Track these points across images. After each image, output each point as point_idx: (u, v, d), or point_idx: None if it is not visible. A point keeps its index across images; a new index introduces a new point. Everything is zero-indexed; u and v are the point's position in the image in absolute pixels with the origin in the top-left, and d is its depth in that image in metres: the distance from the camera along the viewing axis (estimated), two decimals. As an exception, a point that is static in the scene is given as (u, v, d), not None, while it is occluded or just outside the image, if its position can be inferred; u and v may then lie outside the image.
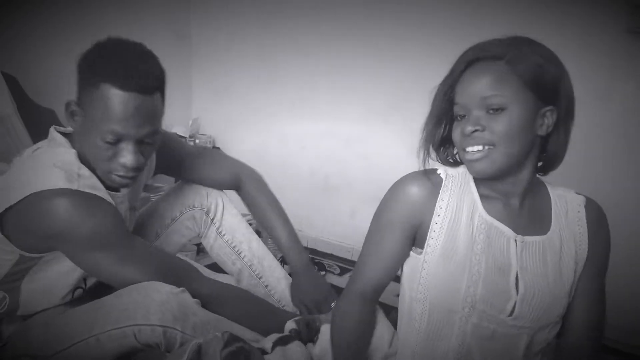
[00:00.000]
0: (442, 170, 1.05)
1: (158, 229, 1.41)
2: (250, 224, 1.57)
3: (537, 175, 1.05)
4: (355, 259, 2.85)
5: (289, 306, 1.45)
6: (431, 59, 2.51)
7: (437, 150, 1.05)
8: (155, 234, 1.40)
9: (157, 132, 1.09)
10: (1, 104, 2.01)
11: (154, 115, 1.06)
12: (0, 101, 2.01)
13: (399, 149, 2.68)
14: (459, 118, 0.97)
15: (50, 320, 1.14)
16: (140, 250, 1.12)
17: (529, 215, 1.03)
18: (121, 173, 1.09)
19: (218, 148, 3.36)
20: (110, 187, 1.14)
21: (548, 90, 0.93)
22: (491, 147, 0.93)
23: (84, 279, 1.20)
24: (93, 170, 1.10)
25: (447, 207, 1.02)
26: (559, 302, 1.00)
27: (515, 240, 1.00)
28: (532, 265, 0.99)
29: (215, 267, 1.65)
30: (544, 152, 1.01)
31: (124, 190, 1.19)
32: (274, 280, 1.45)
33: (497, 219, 1.01)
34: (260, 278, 1.45)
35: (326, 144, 2.97)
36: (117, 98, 1.00)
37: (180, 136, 3.21)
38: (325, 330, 1.13)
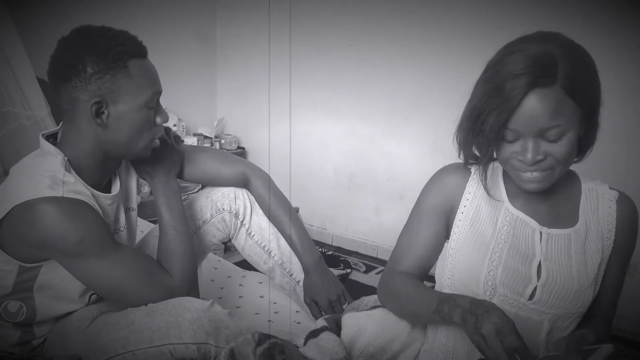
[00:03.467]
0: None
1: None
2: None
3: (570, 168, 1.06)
4: (380, 256, 2.92)
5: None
6: (453, 57, 2.52)
7: (466, 152, 1.07)
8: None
9: None
10: (37, 107, 2.11)
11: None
12: (36, 105, 2.11)
13: (422, 146, 2.70)
14: (508, 139, 0.96)
15: (82, 325, 1.17)
16: (124, 256, 1.14)
17: (556, 208, 1.07)
18: (161, 132, 1.21)
19: (243, 148, 3.41)
20: (101, 189, 1.19)
21: (589, 97, 0.94)
22: (551, 170, 0.96)
23: None
24: (86, 179, 1.13)
25: (473, 199, 1.09)
26: (582, 292, 1.03)
27: (541, 232, 1.05)
28: (557, 256, 1.04)
29: (245, 265, 1.68)
30: None
31: (114, 191, 1.23)
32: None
33: (524, 212, 1.06)
34: (291, 275, 1.48)
35: (350, 142, 3.00)
36: (145, 66, 1.13)
37: (206, 137, 3.26)
38: (344, 320, 1.15)
